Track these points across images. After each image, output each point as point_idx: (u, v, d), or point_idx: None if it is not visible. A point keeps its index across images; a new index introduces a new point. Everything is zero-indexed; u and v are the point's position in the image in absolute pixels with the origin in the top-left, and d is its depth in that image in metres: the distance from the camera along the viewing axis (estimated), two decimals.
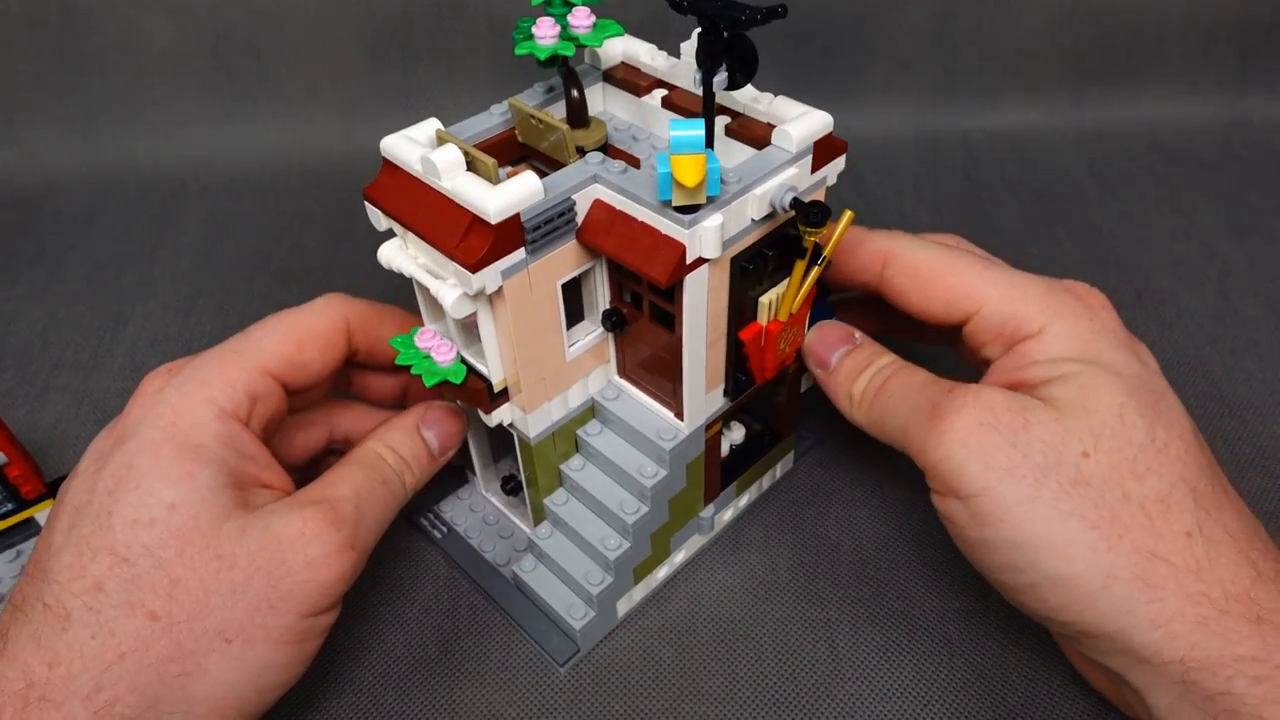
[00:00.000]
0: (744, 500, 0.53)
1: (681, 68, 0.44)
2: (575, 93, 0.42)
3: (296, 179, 0.83)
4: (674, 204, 0.35)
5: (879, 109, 0.88)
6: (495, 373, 0.40)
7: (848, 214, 0.40)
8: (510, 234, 0.35)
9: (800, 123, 0.39)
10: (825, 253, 0.41)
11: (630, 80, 0.46)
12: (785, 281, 0.42)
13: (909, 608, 0.48)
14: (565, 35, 0.39)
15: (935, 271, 0.43)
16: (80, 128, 0.86)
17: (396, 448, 0.44)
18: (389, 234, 0.40)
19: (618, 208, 0.38)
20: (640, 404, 0.45)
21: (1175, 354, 0.63)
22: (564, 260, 0.38)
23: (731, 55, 0.37)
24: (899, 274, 0.44)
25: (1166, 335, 0.65)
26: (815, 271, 0.41)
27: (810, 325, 0.46)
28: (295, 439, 0.46)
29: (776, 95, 0.42)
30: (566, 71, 0.42)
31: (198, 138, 0.86)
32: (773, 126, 0.40)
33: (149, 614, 0.35)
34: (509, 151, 0.43)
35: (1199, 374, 0.62)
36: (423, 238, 0.37)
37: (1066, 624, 0.36)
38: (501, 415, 0.42)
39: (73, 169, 0.84)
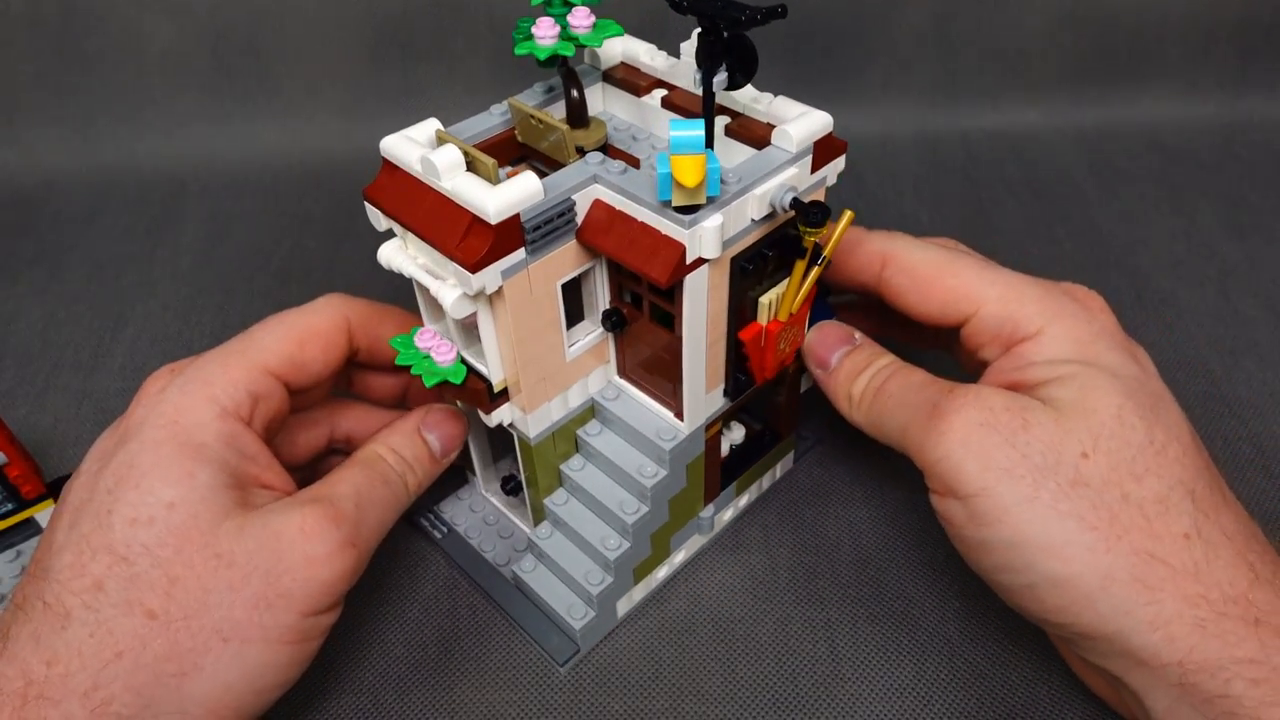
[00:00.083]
0: (744, 500, 0.53)
1: (681, 68, 0.44)
2: (575, 93, 0.42)
3: (296, 179, 0.83)
4: (674, 204, 0.35)
5: (879, 109, 0.88)
6: (495, 373, 0.40)
7: (848, 214, 0.40)
8: (510, 234, 0.35)
9: (800, 123, 0.39)
10: (825, 253, 0.41)
11: (630, 80, 0.46)
12: (785, 282, 0.42)
13: (909, 608, 0.48)
14: (565, 35, 0.39)
15: (933, 273, 0.43)
16: (80, 128, 0.86)
17: (398, 449, 0.44)
18: (389, 234, 0.40)
19: (617, 208, 0.38)
20: (640, 404, 0.45)
21: (1175, 354, 0.63)
22: (564, 260, 0.39)
23: (731, 55, 0.37)
24: (897, 275, 0.44)
25: (1166, 335, 0.65)
26: (815, 272, 0.41)
27: (810, 325, 0.46)
28: (297, 438, 0.46)
29: (776, 95, 0.42)
30: (566, 71, 0.42)
31: (198, 138, 0.86)
32: (773, 126, 0.40)
33: (147, 613, 0.35)
34: (509, 151, 0.43)
35: (1199, 374, 0.62)
36: (423, 238, 0.37)
37: (1064, 625, 0.36)
38: (501, 415, 0.42)
39: (73, 169, 0.84)
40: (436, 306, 0.40)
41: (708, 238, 0.36)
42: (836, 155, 0.41)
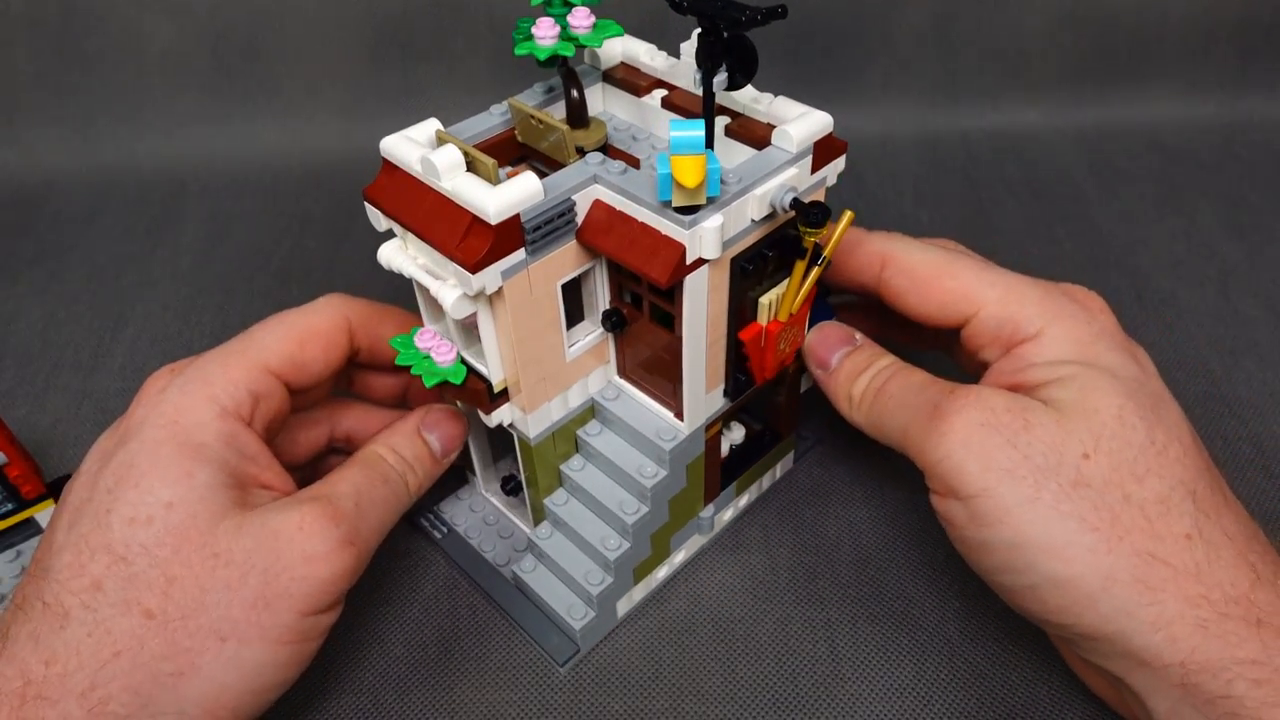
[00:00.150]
0: (744, 500, 0.53)
1: (681, 68, 0.44)
2: (575, 93, 0.42)
3: (296, 179, 0.83)
4: (674, 204, 0.35)
5: (879, 109, 0.88)
6: (495, 373, 0.40)
7: (848, 214, 0.40)
8: (510, 234, 0.35)
9: (800, 123, 0.39)
10: (825, 253, 0.41)
11: (630, 80, 0.46)
12: (785, 282, 0.42)
13: (909, 608, 0.48)
14: (565, 35, 0.39)
15: (933, 274, 0.43)
16: (80, 128, 0.86)
17: (399, 449, 0.44)
18: (389, 234, 0.40)
19: (617, 208, 0.38)
20: (640, 404, 0.45)
21: (1175, 354, 0.63)
22: (564, 261, 0.39)
23: (731, 55, 0.37)
24: (897, 276, 0.44)
25: (1166, 335, 0.65)
26: (815, 272, 0.41)
27: (810, 326, 0.46)
28: (298, 437, 0.46)
29: (776, 95, 0.42)
30: (566, 72, 0.42)
31: (198, 138, 0.86)
32: (773, 127, 0.40)
33: (145, 612, 0.35)
34: (509, 152, 0.43)
35: (1199, 374, 0.62)
36: (423, 238, 0.37)
37: (1066, 626, 0.36)
38: (501, 415, 0.42)
39: (73, 169, 0.84)
40: (436, 306, 0.40)
41: (708, 238, 0.36)
42: (837, 155, 0.41)
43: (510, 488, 0.50)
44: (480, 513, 0.53)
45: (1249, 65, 0.88)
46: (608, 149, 0.44)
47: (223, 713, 0.36)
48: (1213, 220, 0.76)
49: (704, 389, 0.43)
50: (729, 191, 0.36)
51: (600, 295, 0.42)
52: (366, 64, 0.86)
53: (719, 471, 0.49)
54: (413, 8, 0.84)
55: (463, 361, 0.41)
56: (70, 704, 0.33)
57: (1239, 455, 0.56)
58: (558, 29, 0.39)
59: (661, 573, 0.49)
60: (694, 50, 0.42)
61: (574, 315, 0.42)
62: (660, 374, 0.43)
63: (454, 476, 0.54)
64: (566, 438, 0.45)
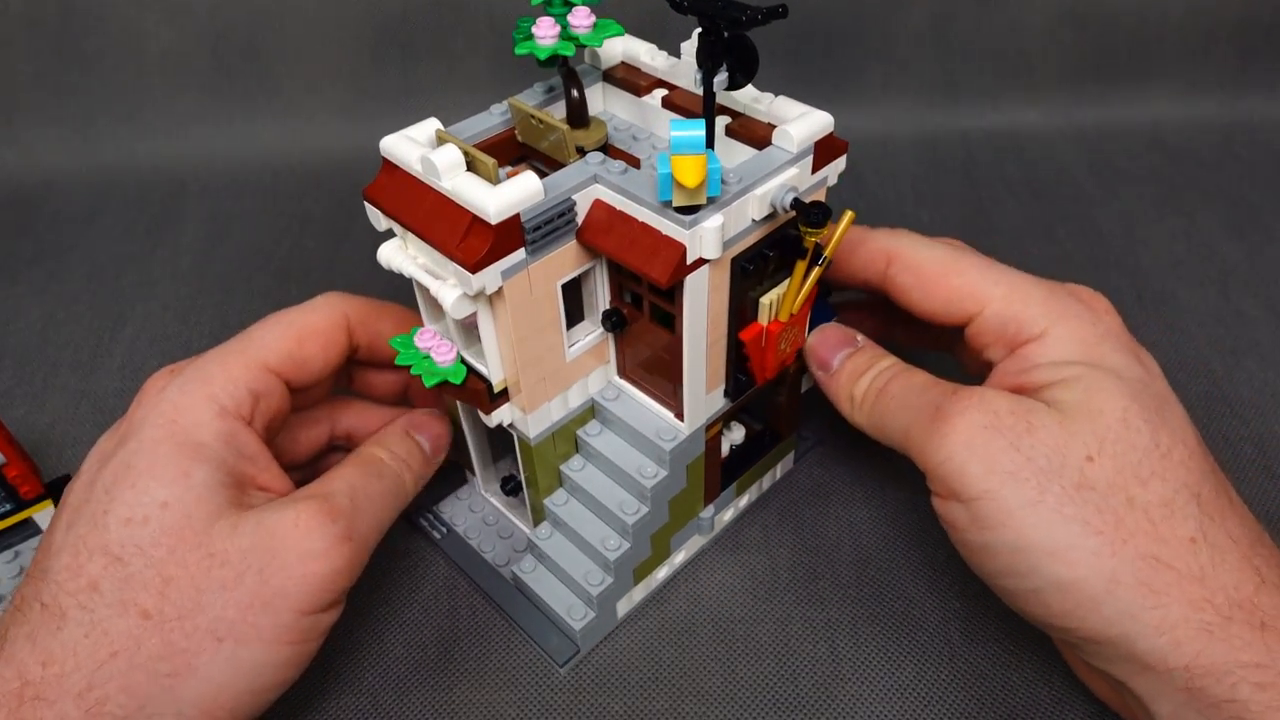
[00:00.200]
0: (744, 500, 0.53)
1: (682, 68, 0.44)
2: (575, 93, 0.42)
3: (296, 179, 0.83)
4: (674, 204, 0.35)
5: (879, 109, 0.88)
6: (495, 373, 0.40)
7: (848, 214, 0.40)
8: (510, 234, 0.35)
9: (801, 123, 0.39)
10: (826, 253, 0.41)
11: (630, 80, 0.46)
12: (786, 282, 0.42)
13: (910, 608, 0.48)
14: (565, 35, 0.39)
15: (939, 271, 0.43)
16: (80, 128, 0.85)
17: (391, 447, 0.44)
18: (389, 234, 0.40)
19: (618, 208, 0.38)
20: (640, 404, 0.45)
21: (1176, 354, 0.63)
22: (564, 260, 0.38)
23: (732, 55, 0.37)
24: (902, 273, 0.44)
25: (1167, 335, 0.65)
26: (816, 272, 0.41)
27: (811, 326, 0.46)
28: (298, 435, 0.46)
29: (777, 95, 0.42)
30: (566, 71, 0.42)
31: (198, 138, 0.86)
32: (773, 126, 0.40)
33: (142, 613, 0.35)
34: (509, 151, 0.43)
35: (1200, 374, 0.62)
36: (423, 238, 0.37)
37: (1069, 630, 0.36)
38: (501, 415, 0.42)
39: (73, 169, 0.84)
40: (436, 306, 0.40)
41: (708, 238, 0.36)
42: (837, 155, 0.41)
43: (510, 488, 0.50)
44: (480, 513, 0.53)
45: (1249, 65, 0.88)
46: (608, 149, 0.44)
47: (221, 713, 0.36)
48: (1213, 220, 0.76)
49: (704, 389, 0.43)
50: (729, 191, 0.36)
51: (600, 295, 0.42)
52: (366, 64, 0.86)
53: (719, 472, 0.49)
54: (413, 8, 0.84)
55: (463, 361, 0.41)
56: (67, 704, 0.33)
57: (1241, 456, 0.56)
58: (558, 28, 0.39)
59: (661, 573, 0.49)
60: (694, 50, 0.42)
61: (574, 315, 0.42)
62: (660, 374, 0.43)
63: (454, 476, 0.54)
64: (566, 438, 0.45)
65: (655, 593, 0.49)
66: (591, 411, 0.46)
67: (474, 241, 0.35)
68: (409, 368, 0.41)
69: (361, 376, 0.49)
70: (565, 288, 0.40)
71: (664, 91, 0.45)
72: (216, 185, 0.83)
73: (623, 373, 0.45)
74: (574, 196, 0.37)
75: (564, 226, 0.37)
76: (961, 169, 0.83)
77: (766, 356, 0.43)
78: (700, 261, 0.37)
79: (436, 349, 0.40)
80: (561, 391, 0.43)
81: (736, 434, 0.50)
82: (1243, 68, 0.88)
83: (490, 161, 0.36)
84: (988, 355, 0.42)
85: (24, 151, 0.85)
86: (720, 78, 0.37)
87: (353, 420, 0.48)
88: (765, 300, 0.41)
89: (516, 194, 0.35)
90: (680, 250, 0.36)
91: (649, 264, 0.36)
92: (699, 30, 0.37)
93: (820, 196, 0.42)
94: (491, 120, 0.43)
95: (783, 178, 0.38)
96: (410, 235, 0.38)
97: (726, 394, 0.45)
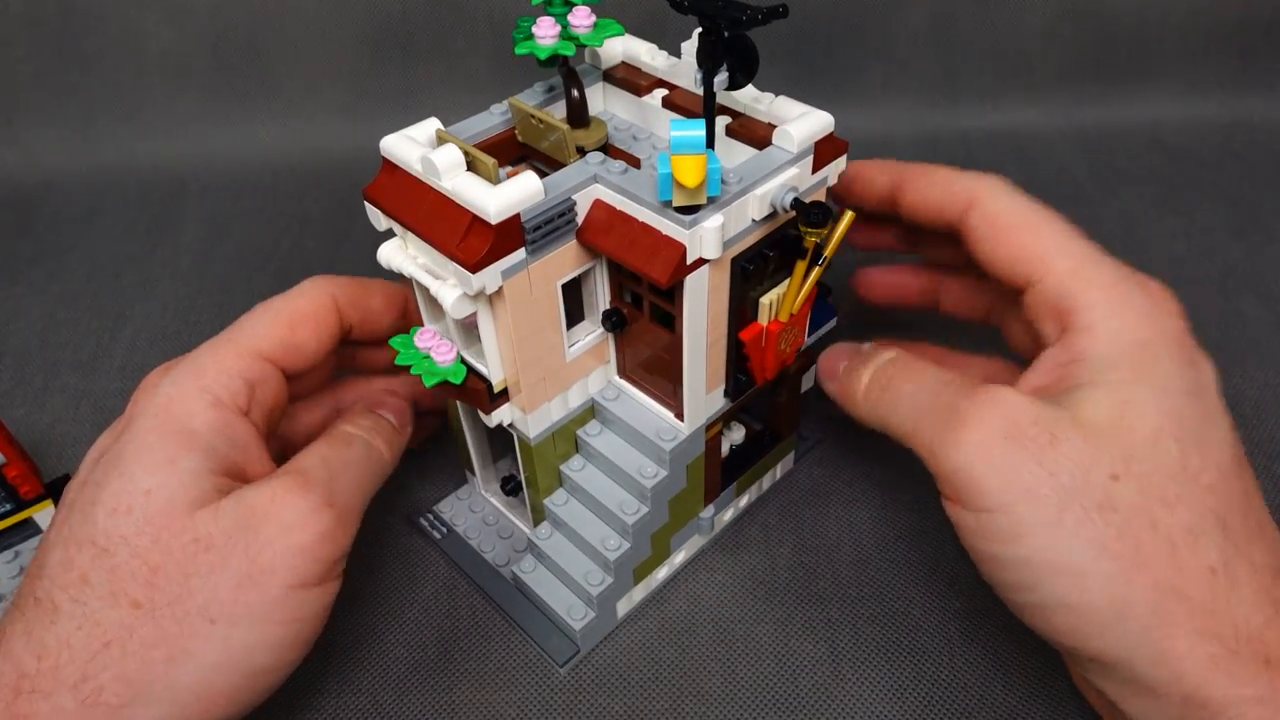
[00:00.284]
0: (744, 500, 0.53)
1: (682, 67, 0.44)
2: (575, 92, 0.42)
3: (296, 179, 0.83)
4: (674, 204, 0.35)
5: (879, 109, 0.88)
6: (495, 373, 0.40)
7: (848, 214, 0.40)
8: (510, 234, 0.35)
9: (801, 123, 0.39)
10: (826, 253, 0.41)
11: (631, 80, 0.46)
12: (786, 282, 0.42)
13: (909, 608, 0.48)
14: (565, 35, 0.39)
15: (1013, 224, 0.41)
16: (80, 128, 0.85)
17: (356, 421, 0.44)
18: (389, 234, 0.40)
19: (618, 208, 0.38)
20: (640, 404, 0.45)
21: None
22: (564, 260, 0.38)
23: (732, 55, 0.37)
24: (980, 219, 0.42)
25: None
26: (816, 272, 0.41)
27: (811, 326, 0.46)
28: (303, 421, 0.46)
29: (777, 95, 0.42)
30: (567, 71, 0.42)
31: (198, 138, 0.86)
32: (773, 126, 0.40)
33: (132, 602, 0.35)
34: (509, 151, 0.43)
35: None
36: (423, 238, 0.37)
37: (1071, 648, 0.35)
38: (501, 415, 0.42)
39: (73, 169, 0.84)
40: (436, 306, 0.40)
41: (708, 238, 0.36)
42: (838, 155, 0.41)
43: (510, 488, 0.50)
44: (480, 513, 0.53)
45: (1249, 65, 0.88)
46: (608, 149, 0.44)
47: (218, 698, 0.36)
48: (1213, 220, 0.76)
49: (704, 389, 0.43)
50: (730, 191, 0.36)
51: (600, 295, 0.42)
52: (366, 64, 0.86)
53: (719, 472, 0.49)
54: (413, 8, 0.84)
55: (463, 361, 0.41)
56: (63, 696, 0.34)
57: None
58: (558, 28, 0.39)
59: (661, 573, 0.49)
60: (695, 50, 0.42)
61: (574, 315, 0.42)
62: (660, 374, 0.43)
63: (454, 476, 0.54)
64: (566, 438, 0.45)
65: (655, 593, 0.49)
66: (591, 411, 0.46)
67: (474, 241, 0.35)
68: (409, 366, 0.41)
69: (361, 357, 0.49)
70: (565, 288, 0.40)
71: (664, 91, 0.45)
72: (216, 185, 0.83)
73: (623, 373, 0.45)
74: (574, 196, 0.37)
75: (564, 226, 0.37)
76: (961, 169, 0.83)
77: (766, 356, 0.43)
78: (700, 261, 0.37)
79: (436, 349, 0.40)
80: (561, 391, 0.43)
81: (736, 434, 0.50)
82: (1243, 68, 0.88)
83: (490, 161, 0.36)
84: (1039, 327, 0.40)
85: (24, 151, 0.85)
86: (720, 78, 0.37)
87: (354, 396, 0.48)
88: (765, 300, 0.41)
89: (517, 194, 0.35)
90: (680, 250, 0.36)
91: (649, 264, 0.36)
92: (699, 30, 0.37)
93: (820, 196, 0.42)
94: (492, 120, 0.43)
95: (783, 178, 0.38)
96: (410, 235, 0.38)
97: (726, 394, 0.45)
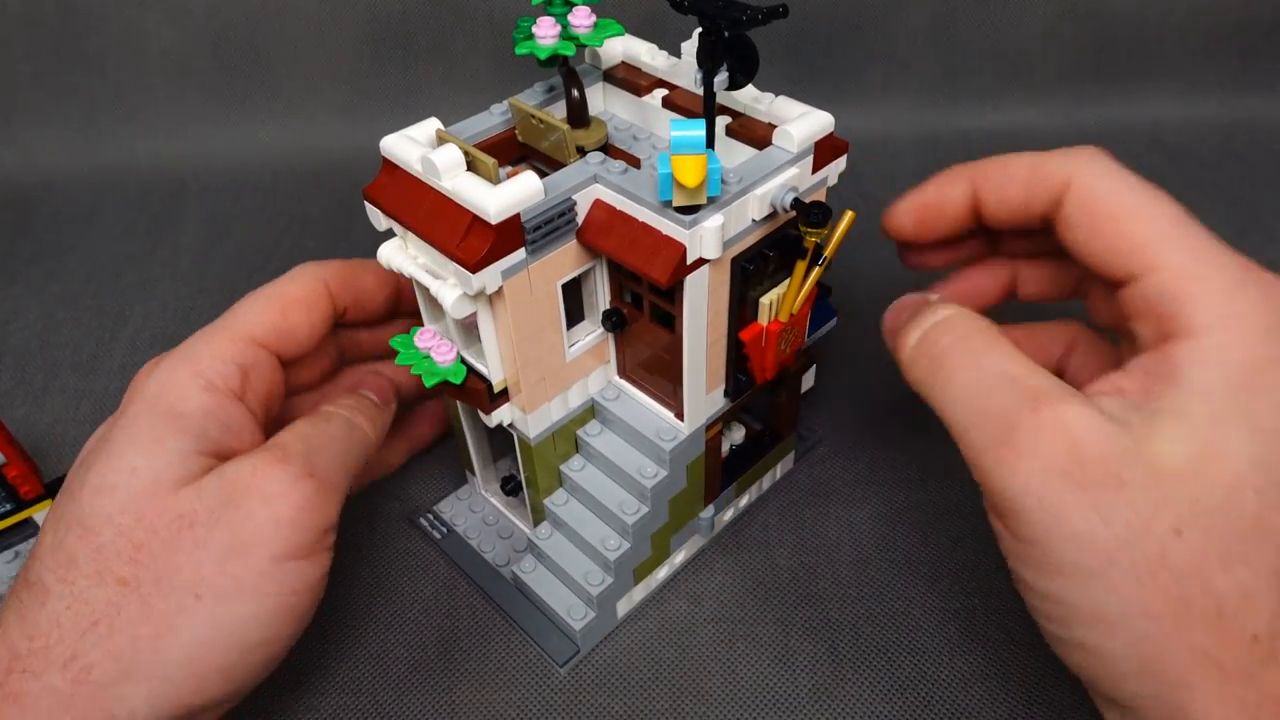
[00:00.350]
0: (744, 500, 0.53)
1: (682, 67, 0.44)
2: (575, 92, 0.42)
3: (296, 179, 0.83)
4: (675, 204, 0.35)
5: (879, 109, 0.88)
6: (495, 373, 0.40)
7: (849, 214, 0.40)
8: (510, 234, 0.35)
9: (801, 123, 0.39)
10: (826, 253, 0.41)
11: (631, 80, 0.46)
12: (786, 282, 0.42)
13: (909, 608, 0.48)
14: (566, 35, 0.39)
15: (1117, 211, 0.35)
16: (80, 128, 0.85)
17: (337, 401, 0.45)
18: (389, 234, 0.40)
19: (618, 208, 0.38)
20: (640, 404, 0.45)
21: None
22: (564, 260, 0.38)
23: (732, 55, 0.37)
24: (1076, 205, 0.36)
25: None
26: (816, 272, 0.41)
27: (812, 326, 0.46)
28: (303, 410, 0.46)
29: (777, 95, 0.42)
30: (567, 71, 0.42)
31: (198, 138, 0.86)
32: (774, 126, 0.40)
33: (119, 580, 0.35)
34: (509, 151, 0.43)
35: None
36: (423, 238, 0.37)
37: (1087, 682, 0.33)
38: (501, 415, 0.42)
39: (72, 169, 0.84)
40: (436, 306, 0.40)
41: (708, 238, 0.36)
42: (838, 155, 0.41)
43: (510, 488, 0.50)
44: (480, 513, 0.53)
45: (1249, 65, 0.88)
46: (608, 149, 0.44)
47: (210, 674, 0.36)
48: (1213, 220, 0.74)
49: (704, 389, 0.43)
50: (730, 191, 0.36)
51: (600, 295, 0.42)
52: (366, 64, 0.86)
53: (719, 472, 0.49)
54: (413, 8, 0.84)
55: (463, 361, 0.41)
56: (54, 675, 0.34)
57: None
58: (558, 28, 0.39)
59: (661, 573, 0.49)
60: (695, 50, 0.42)
61: (574, 315, 0.42)
62: (660, 374, 0.43)
63: (454, 476, 0.54)
64: (566, 438, 0.45)
65: (655, 593, 0.49)
66: (591, 411, 0.46)
67: (474, 241, 0.35)
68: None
69: (363, 343, 0.50)
70: (565, 288, 0.40)
71: (664, 91, 0.45)
72: (216, 185, 0.83)
73: (623, 373, 0.45)
74: (574, 196, 0.37)
75: (564, 226, 0.37)
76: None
77: (766, 356, 0.43)
78: (700, 261, 0.37)
79: (436, 349, 0.40)
80: (561, 391, 0.43)
81: (736, 434, 0.50)
82: (1243, 68, 0.88)
83: (490, 161, 0.36)
84: (1134, 327, 0.34)
85: (24, 151, 0.85)
86: (720, 78, 0.37)
87: (354, 379, 0.48)
88: (765, 300, 0.41)
89: (517, 194, 0.35)
90: (680, 250, 0.36)
91: (649, 264, 0.36)
92: (699, 30, 0.37)
93: (820, 196, 0.42)
94: (492, 120, 0.43)
95: (783, 178, 0.38)
96: (410, 235, 0.38)
97: (726, 394, 0.45)
